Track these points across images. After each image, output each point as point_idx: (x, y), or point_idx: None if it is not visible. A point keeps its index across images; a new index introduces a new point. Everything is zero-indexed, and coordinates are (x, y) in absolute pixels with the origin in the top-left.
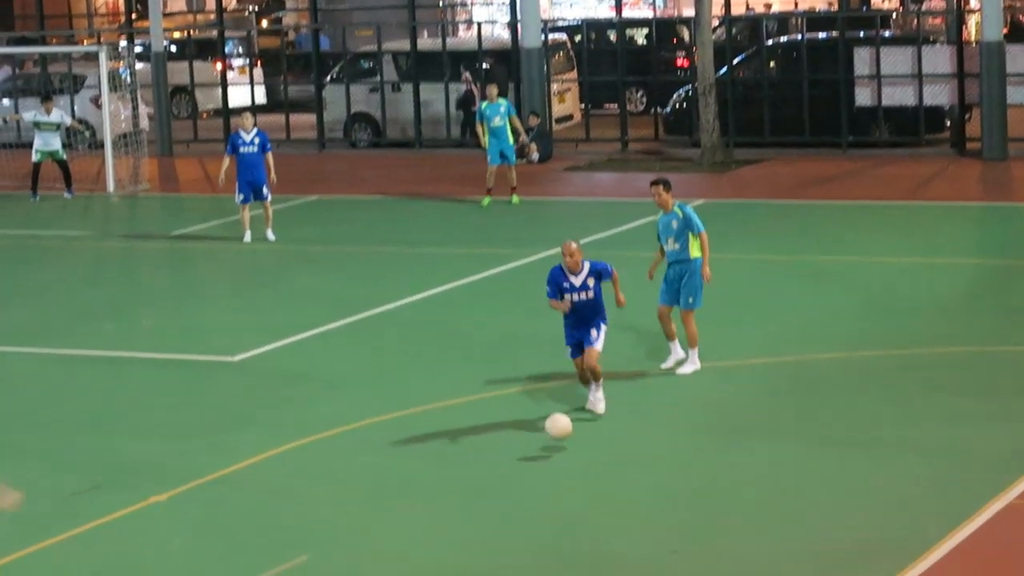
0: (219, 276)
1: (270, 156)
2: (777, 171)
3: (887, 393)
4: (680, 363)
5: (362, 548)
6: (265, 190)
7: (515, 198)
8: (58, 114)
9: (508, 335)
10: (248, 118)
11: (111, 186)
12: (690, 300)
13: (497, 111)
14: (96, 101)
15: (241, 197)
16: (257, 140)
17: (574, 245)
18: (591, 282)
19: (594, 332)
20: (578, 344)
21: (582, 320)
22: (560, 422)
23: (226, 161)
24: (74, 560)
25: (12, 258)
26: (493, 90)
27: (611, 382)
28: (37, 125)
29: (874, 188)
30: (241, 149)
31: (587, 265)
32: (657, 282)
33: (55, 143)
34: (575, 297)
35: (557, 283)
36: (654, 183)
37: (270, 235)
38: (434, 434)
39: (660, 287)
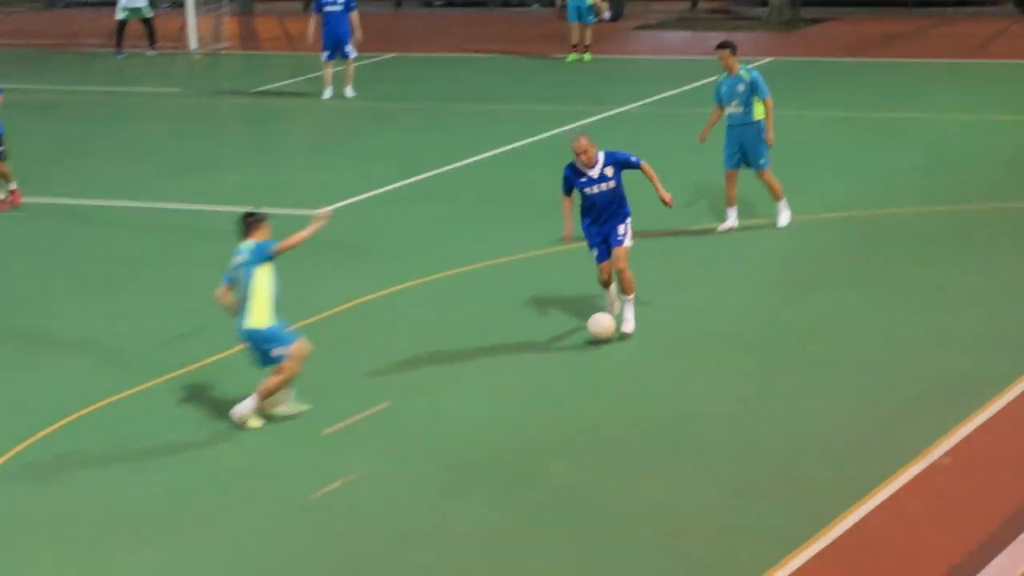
0: (299, 133)
1: (355, 15)
2: (844, 30)
3: (958, 246)
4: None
5: (440, 393)
6: (348, 48)
7: (587, 55)
8: None
9: None
10: None
11: (193, 43)
12: (760, 162)
13: None
14: None
15: (326, 54)
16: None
17: (584, 141)
18: (610, 171)
19: (620, 228)
20: (604, 243)
21: (604, 214)
22: (602, 321)
23: (312, 20)
24: (182, 392)
25: (100, 115)
26: None
27: (678, 237)
28: None
29: (939, 46)
30: (326, 8)
31: (602, 156)
32: (711, 143)
33: (140, 1)
34: (593, 190)
35: (571, 181)
36: (720, 46)
37: (349, 92)
38: (502, 285)
39: (724, 151)
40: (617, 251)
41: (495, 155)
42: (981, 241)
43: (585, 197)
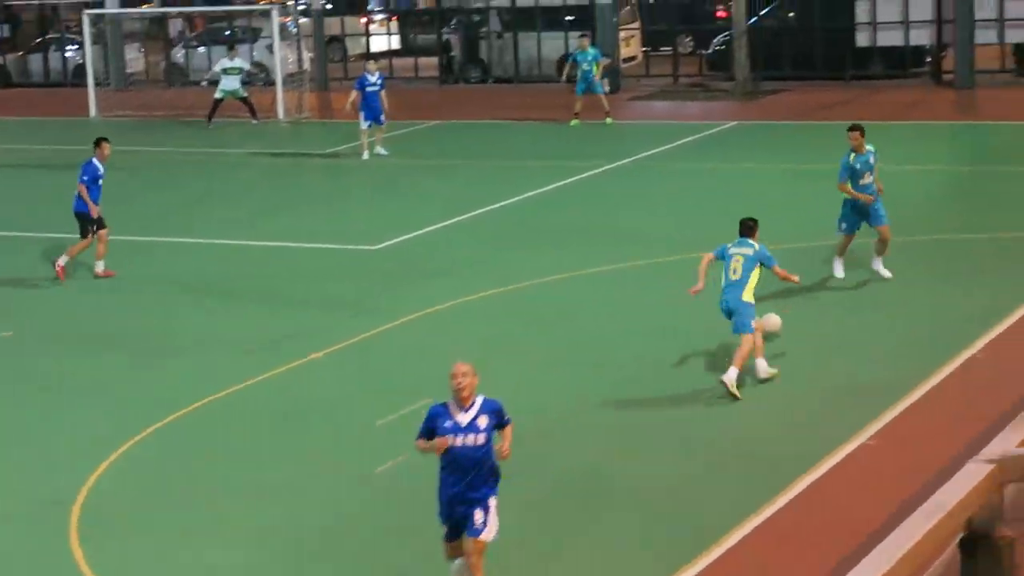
0: (359, 183)
1: (384, 92)
2: (796, 99)
3: (889, 265)
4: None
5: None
6: (382, 117)
7: (608, 119)
8: (241, 60)
9: (587, 227)
10: (373, 64)
11: (281, 114)
12: (882, 216)
13: (586, 58)
14: (270, 49)
15: (367, 124)
16: (379, 81)
17: (463, 368)
18: (483, 422)
19: (478, 515)
20: (454, 524)
21: (465, 479)
22: (773, 321)
23: (354, 95)
24: (256, 399)
25: (205, 171)
26: (585, 41)
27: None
28: (225, 71)
29: (870, 110)
30: (368, 88)
31: (479, 401)
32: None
33: (235, 84)
34: (457, 442)
35: (433, 422)
36: (853, 128)
37: (381, 150)
38: (533, 303)
39: (845, 220)
40: (469, 544)
41: (521, 199)
42: (898, 266)
43: (447, 450)
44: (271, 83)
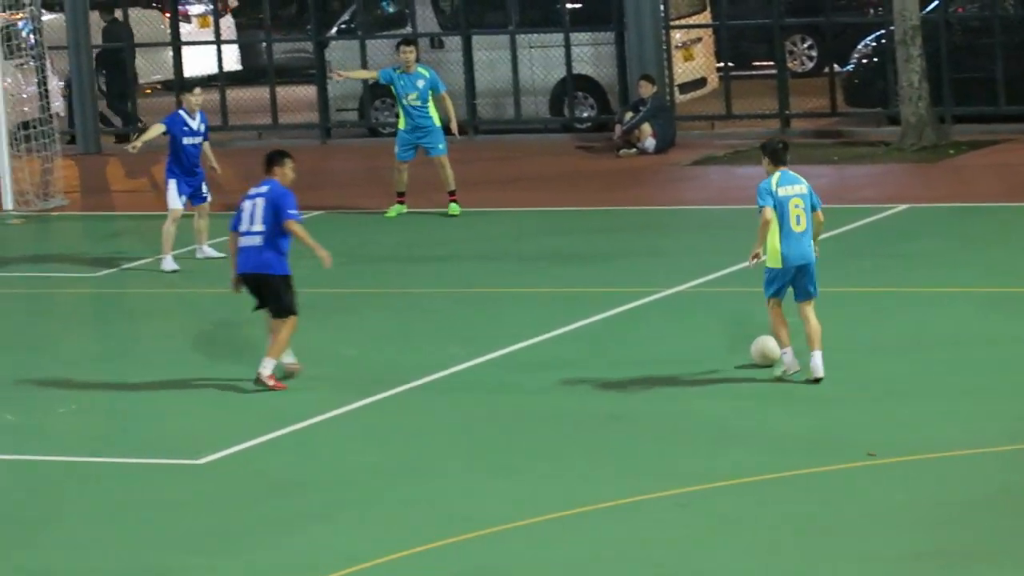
0: (162, 336)
1: (209, 148)
2: (1018, 159)
3: None
4: None
5: None
6: (205, 189)
7: (453, 207)
8: None
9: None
10: (196, 95)
11: (7, 202)
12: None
13: (412, 84)
14: None
15: (181, 200)
16: (203, 127)
17: None
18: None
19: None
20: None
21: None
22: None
23: (155, 130)
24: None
25: None
26: (410, 55)
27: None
28: None
29: None
30: (185, 139)
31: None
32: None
33: None
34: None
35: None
36: None
37: (209, 251)
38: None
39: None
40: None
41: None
42: None
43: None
44: None
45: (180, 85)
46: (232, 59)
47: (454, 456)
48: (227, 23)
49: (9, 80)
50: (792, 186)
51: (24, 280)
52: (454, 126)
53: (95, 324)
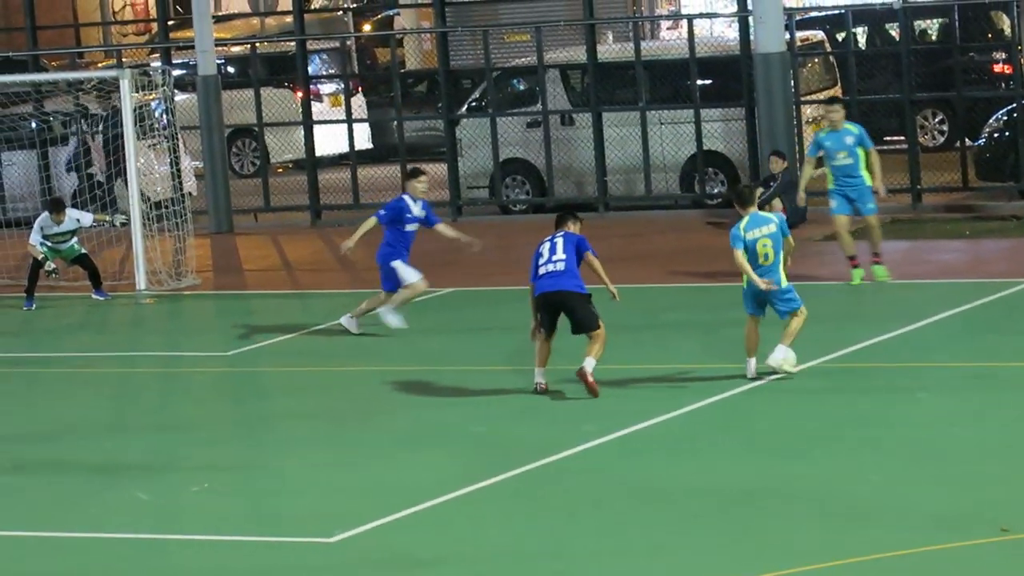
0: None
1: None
2: None
3: None
4: None
5: None
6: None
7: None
8: (72, 221)
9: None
10: (423, 182)
11: (140, 282)
12: None
13: (840, 142)
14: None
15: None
16: (424, 211)
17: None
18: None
19: None
20: None
21: None
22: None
23: (369, 224)
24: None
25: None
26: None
27: None
28: (48, 238)
29: None
30: (408, 226)
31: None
32: None
33: (69, 242)
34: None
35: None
36: None
37: (350, 321)
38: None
39: None
40: None
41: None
42: None
43: None
44: (121, 223)
45: (404, 172)
46: (363, 137)
47: (592, 534)
48: (358, 101)
49: (142, 160)
50: (760, 228)
51: (156, 360)
52: None
53: (227, 402)
